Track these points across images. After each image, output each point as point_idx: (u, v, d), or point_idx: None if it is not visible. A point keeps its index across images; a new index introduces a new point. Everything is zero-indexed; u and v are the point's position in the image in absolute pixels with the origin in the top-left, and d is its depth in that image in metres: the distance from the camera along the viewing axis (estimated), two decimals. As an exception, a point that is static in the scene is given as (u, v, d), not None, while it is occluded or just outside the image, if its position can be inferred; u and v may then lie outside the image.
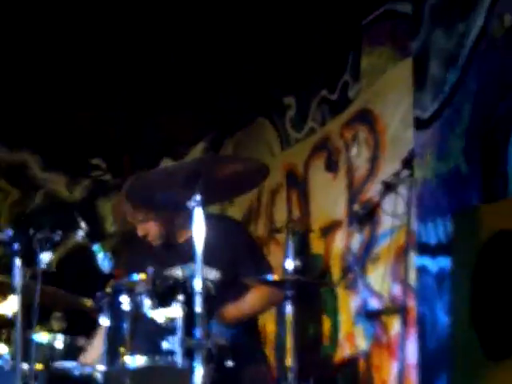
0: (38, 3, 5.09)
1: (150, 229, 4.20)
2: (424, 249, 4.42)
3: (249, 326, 4.25)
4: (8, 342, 4.21)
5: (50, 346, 4.16)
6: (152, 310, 3.40)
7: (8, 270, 3.58)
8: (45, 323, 4.36)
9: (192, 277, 3.32)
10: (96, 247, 3.90)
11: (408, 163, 4.42)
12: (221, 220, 4.23)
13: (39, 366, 3.79)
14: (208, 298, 3.34)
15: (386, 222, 4.72)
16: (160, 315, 3.37)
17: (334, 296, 5.29)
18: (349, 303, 5.16)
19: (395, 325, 4.63)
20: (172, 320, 3.33)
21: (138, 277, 3.50)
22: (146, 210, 4.12)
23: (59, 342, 4.18)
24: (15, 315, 3.52)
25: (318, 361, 5.34)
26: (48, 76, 6.07)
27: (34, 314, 3.57)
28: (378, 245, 4.92)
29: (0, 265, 6.03)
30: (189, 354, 3.26)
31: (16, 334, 3.54)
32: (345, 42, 5.44)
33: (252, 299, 4.18)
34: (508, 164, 3.93)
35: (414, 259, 4.45)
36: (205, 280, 3.31)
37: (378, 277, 4.81)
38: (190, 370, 3.21)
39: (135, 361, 3.38)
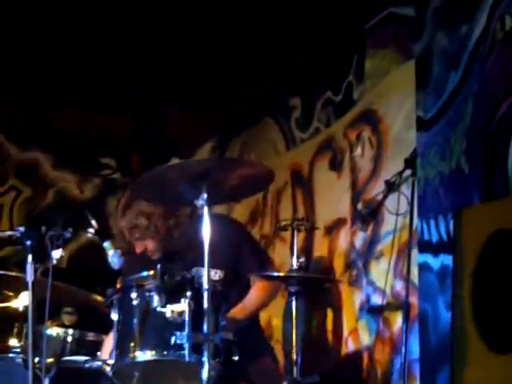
0: (45, 2, 5.18)
1: (147, 245, 4.21)
2: (426, 246, 4.39)
3: (255, 320, 4.29)
4: (20, 336, 4.30)
5: (61, 341, 4.25)
6: (161, 306, 3.40)
7: (20, 266, 3.60)
8: (56, 318, 4.41)
9: (198, 275, 3.38)
10: (106, 244, 3.95)
11: (411, 163, 4.46)
12: (220, 220, 4.20)
13: (50, 360, 3.84)
14: (214, 293, 3.38)
15: (389, 221, 4.73)
16: (168, 310, 3.38)
17: (338, 292, 5.30)
18: (352, 299, 5.18)
19: (398, 320, 4.66)
20: (180, 315, 3.34)
21: (147, 273, 3.52)
22: (142, 231, 4.16)
23: (70, 336, 4.27)
24: (27, 310, 3.52)
25: (322, 355, 5.35)
26: (59, 76, 6.12)
27: (46, 309, 3.58)
28: (381, 243, 4.94)
29: (12, 261, 6.16)
30: (197, 348, 3.27)
31: (28, 328, 3.54)
32: (349, 44, 5.47)
33: (255, 296, 4.21)
34: (508, 163, 3.93)
35: (417, 256, 4.45)
36: (210, 278, 3.34)
37: (381, 274, 4.82)
38: (198, 364, 3.24)
39: (144, 355, 3.40)
